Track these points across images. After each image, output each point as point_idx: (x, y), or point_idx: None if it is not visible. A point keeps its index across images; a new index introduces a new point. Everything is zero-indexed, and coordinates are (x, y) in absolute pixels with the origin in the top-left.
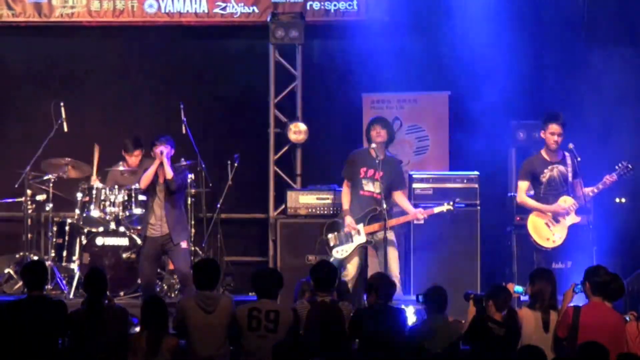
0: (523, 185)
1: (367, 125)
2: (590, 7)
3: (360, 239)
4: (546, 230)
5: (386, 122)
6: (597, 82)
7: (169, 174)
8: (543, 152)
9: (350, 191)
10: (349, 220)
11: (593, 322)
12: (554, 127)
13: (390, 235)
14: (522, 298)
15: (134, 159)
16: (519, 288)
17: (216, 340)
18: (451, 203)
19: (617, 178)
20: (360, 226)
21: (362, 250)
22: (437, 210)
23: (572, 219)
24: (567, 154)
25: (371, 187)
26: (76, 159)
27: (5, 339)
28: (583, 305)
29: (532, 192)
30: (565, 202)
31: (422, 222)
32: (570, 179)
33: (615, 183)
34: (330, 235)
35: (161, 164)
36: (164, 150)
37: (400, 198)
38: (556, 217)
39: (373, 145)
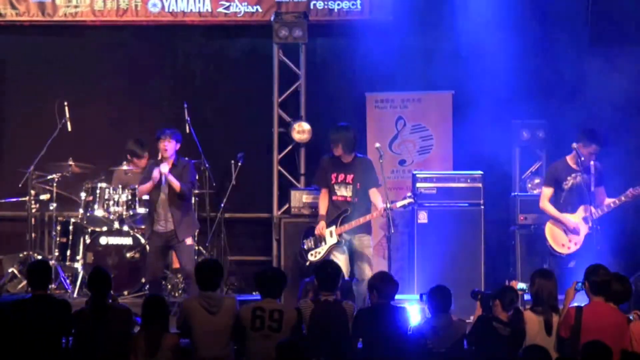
0: (547, 191)
1: (333, 133)
2: (594, 5)
3: (332, 240)
4: (563, 237)
5: (337, 132)
6: (601, 81)
7: (177, 185)
8: (569, 159)
9: (327, 198)
10: (321, 225)
11: (595, 321)
12: (595, 148)
13: (366, 240)
14: (526, 297)
15: (144, 161)
16: (522, 285)
17: (220, 341)
18: (410, 195)
19: None
20: (332, 228)
21: (345, 249)
22: (399, 204)
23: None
24: (592, 162)
25: (344, 192)
26: (79, 158)
27: (9, 338)
28: (585, 305)
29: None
30: (586, 211)
31: (426, 221)
32: (592, 187)
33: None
34: (305, 241)
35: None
36: (165, 168)
37: (373, 195)
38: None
39: (379, 146)
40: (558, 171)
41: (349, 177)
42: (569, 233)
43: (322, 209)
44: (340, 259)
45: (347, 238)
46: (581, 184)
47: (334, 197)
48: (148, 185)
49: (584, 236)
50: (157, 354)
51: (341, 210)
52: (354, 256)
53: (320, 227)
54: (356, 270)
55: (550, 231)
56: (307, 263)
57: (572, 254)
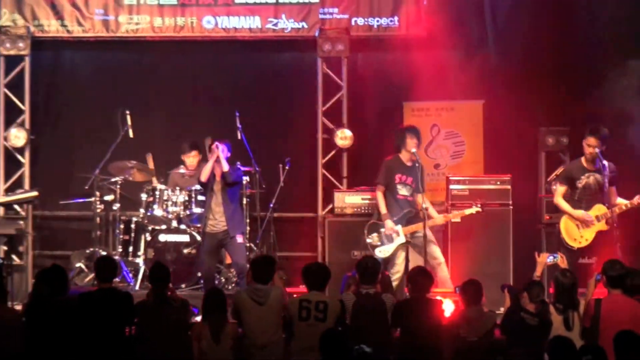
0: (561, 189)
1: (403, 132)
2: (615, 17)
3: (400, 239)
4: (576, 232)
5: (419, 132)
6: (622, 91)
7: (225, 166)
8: (582, 160)
9: (384, 196)
10: (389, 224)
11: (613, 312)
12: (591, 140)
13: (428, 233)
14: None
15: (191, 159)
16: (551, 257)
17: (269, 329)
18: (479, 205)
19: None
20: (399, 227)
21: (406, 248)
22: (467, 211)
23: (601, 226)
24: (605, 163)
25: (405, 192)
26: (140, 162)
27: (77, 327)
28: (603, 298)
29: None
30: (599, 210)
31: (458, 219)
32: (606, 187)
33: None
34: (372, 237)
35: (217, 159)
36: (219, 145)
37: (423, 200)
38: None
39: (413, 149)
40: (572, 171)
41: (409, 180)
42: (581, 228)
43: (383, 207)
44: (401, 259)
45: (409, 237)
46: (595, 184)
47: (398, 196)
48: (208, 166)
49: (594, 233)
50: (221, 341)
51: (406, 210)
52: (419, 249)
53: (389, 227)
54: (429, 259)
55: (565, 225)
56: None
57: (583, 248)
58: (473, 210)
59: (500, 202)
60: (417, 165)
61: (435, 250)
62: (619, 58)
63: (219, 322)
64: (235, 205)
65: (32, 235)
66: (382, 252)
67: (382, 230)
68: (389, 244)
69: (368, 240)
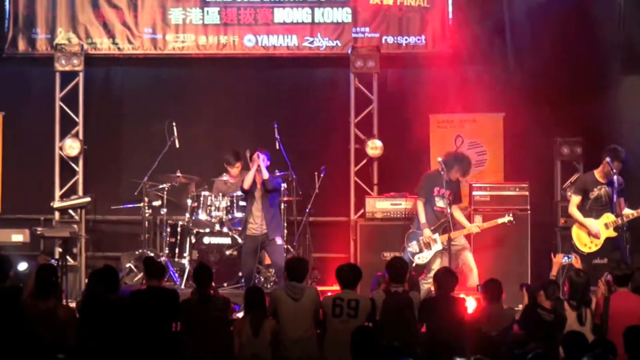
0: (575, 199)
1: (451, 160)
2: (626, 33)
3: (437, 246)
4: (586, 239)
5: (468, 164)
6: (634, 105)
7: (265, 174)
8: (596, 173)
9: (424, 207)
10: (427, 232)
11: (621, 309)
12: (618, 165)
13: (463, 241)
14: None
15: (235, 170)
16: (566, 258)
17: (303, 324)
18: (511, 215)
19: None
20: (437, 235)
21: (441, 255)
22: (500, 221)
23: (610, 233)
24: (615, 176)
25: (442, 204)
26: (186, 170)
27: (128, 322)
28: (611, 295)
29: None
30: (608, 218)
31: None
32: (615, 198)
33: None
34: (411, 245)
35: (258, 168)
36: (260, 155)
37: (457, 212)
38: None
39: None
40: (586, 183)
41: (447, 193)
42: (591, 235)
43: (423, 217)
44: (436, 265)
45: (445, 245)
46: (605, 195)
47: (435, 208)
48: (250, 175)
49: (603, 239)
50: (260, 335)
51: (442, 220)
52: (455, 257)
53: (428, 236)
54: (463, 267)
55: (576, 233)
56: (414, 264)
57: (592, 253)
58: (505, 219)
59: (519, 207)
60: (455, 180)
61: (469, 258)
62: (631, 73)
63: (259, 318)
64: (275, 210)
65: (85, 238)
66: (420, 259)
67: (421, 238)
68: (427, 251)
69: (408, 249)
